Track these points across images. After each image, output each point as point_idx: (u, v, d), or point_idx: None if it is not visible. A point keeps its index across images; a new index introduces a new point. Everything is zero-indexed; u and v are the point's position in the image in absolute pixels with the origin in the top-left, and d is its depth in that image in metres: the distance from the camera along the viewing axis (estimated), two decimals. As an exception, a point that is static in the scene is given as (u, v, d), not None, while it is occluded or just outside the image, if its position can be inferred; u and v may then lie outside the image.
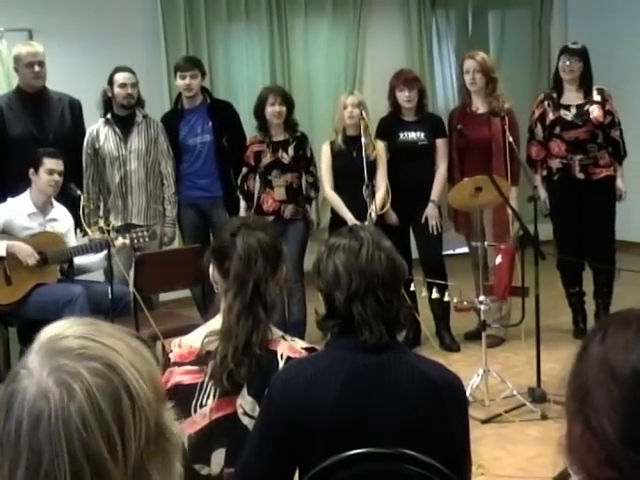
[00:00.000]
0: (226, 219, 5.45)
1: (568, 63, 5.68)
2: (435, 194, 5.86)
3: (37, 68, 5.53)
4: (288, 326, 5.58)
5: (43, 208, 5.25)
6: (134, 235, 5.14)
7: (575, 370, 1.24)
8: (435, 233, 5.88)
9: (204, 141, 5.94)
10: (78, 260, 5.26)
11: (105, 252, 5.06)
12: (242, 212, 5.86)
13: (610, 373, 1.18)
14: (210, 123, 5.95)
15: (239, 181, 5.95)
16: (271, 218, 5.58)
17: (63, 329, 1.09)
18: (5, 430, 1.05)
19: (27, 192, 5.22)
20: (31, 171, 5.16)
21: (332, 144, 5.82)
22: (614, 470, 1.15)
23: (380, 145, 5.74)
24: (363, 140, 5.43)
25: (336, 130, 5.83)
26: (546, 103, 5.82)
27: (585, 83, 5.74)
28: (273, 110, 5.76)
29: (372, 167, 5.58)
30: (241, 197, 5.94)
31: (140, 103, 5.80)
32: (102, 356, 1.05)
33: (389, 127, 5.88)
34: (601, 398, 1.17)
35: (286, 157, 5.84)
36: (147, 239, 5.20)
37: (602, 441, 1.16)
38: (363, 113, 5.59)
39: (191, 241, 5.84)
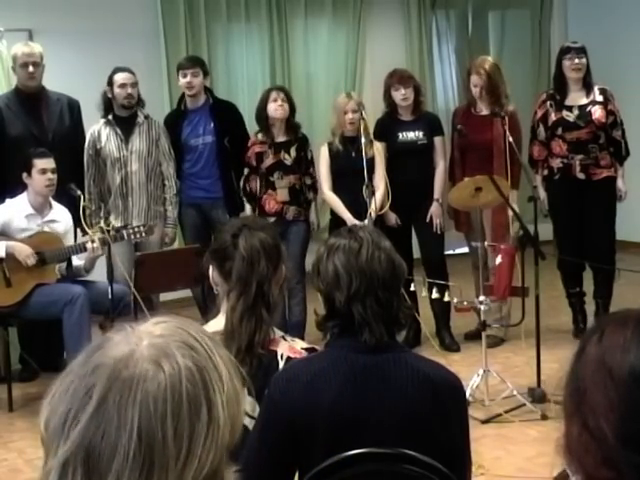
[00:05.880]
0: (227, 220, 5.44)
1: (577, 61, 5.69)
2: (437, 192, 5.87)
3: (31, 69, 5.53)
4: (289, 327, 5.58)
5: (41, 209, 5.23)
6: (131, 231, 5.14)
7: (572, 370, 1.24)
8: (439, 232, 5.89)
9: (206, 142, 5.94)
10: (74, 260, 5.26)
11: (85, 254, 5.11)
12: (248, 213, 5.87)
13: (607, 373, 1.18)
14: (212, 124, 5.94)
15: (241, 182, 5.95)
16: (273, 219, 5.58)
17: (190, 326, 1.08)
18: (83, 368, 1.01)
19: (24, 194, 5.22)
20: (24, 175, 5.14)
21: (330, 145, 5.82)
22: (612, 470, 1.15)
23: (378, 145, 5.74)
24: (362, 140, 5.43)
25: (333, 132, 5.81)
26: (548, 103, 5.82)
27: (587, 81, 5.76)
28: (276, 105, 5.75)
29: (370, 165, 5.58)
30: (244, 199, 5.94)
31: (140, 103, 5.79)
32: (202, 366, 1.03)
33: (387, 128, 5.87)
34: (598, 398, 1.17)
35: (288, 158, 5.83)
36: (144, 234, 5.19)
37: (600, 441, 1.16)
38: (363, 114, 5.60)
39: (192, 241, 5.83)
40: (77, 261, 5.27)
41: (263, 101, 5.83)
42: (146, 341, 1.03)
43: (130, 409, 0.97)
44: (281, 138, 5.85)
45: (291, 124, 5.87)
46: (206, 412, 1.00)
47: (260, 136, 5.87)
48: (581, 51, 5.73)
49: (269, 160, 5.82)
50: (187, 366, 1.01)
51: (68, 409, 0.99)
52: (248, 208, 5.93)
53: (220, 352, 1.07)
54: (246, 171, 5.90)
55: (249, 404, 2.37)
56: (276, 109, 5.74)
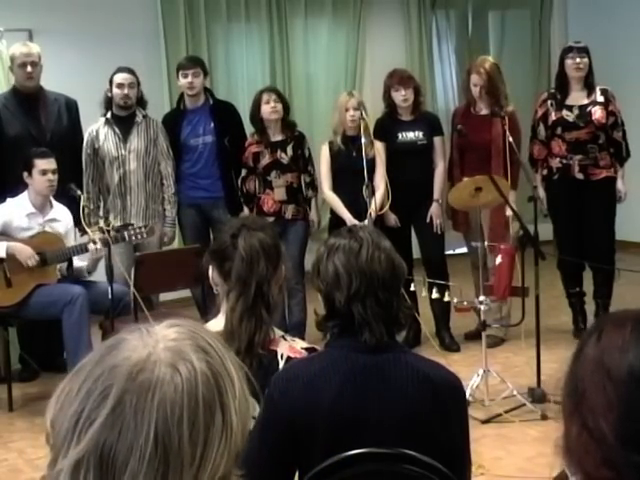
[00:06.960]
0: (227, 219, 5.44)
1: (578, 60, 5.69)
2: (437, 193, 5.88)
3: (29, 68, 5.53)
4: (289, 327, 5.58)
5: (42, 208, 5.24)
6: (132, 232, 5.14)
7: (571, 371, 1.24)
8: (439, 232, 5.89)
9: (206, 142, 5.94)
10: (75, 262, 5.26)
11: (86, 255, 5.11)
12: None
13: (606, 374, 1.18)
14: (212, 124, 5.94)
15: (239, 183, 5.95)
16: (271, 219, 5.58)
17: (202, 329, 1.07)
18: (97, 368, 1.00)
19: (25, 193, 5.22)
20: (25, 175, 5.14)
21: (331, 144, 5.82)
22: (612, 470, 1.15)
23: (378, 145, 5.74)
24: (363, 140, 5.43)
25: (335, 131, 5.81)
26: (549, 103, 5.82)
27: (589, 81, 5.76)
28: (269, 108, 5.75)
29: (371, 165, 5.58)
30: (242, 199, 5.94)
31: (142, 104, 5.79)
32: (216, 371, 1.02)
33: (387, 128, 5.86)
34: (597, 399, 1.17)
35: (285, 157, 5.83)
36: (145, 235, 5.19)
37: (599, 442, 1.16)
38: (363, 113, 5.60)
39: (192, 241, 5.84)
40: (79, 262, 5.27)
41: (256, 103, 5.83)
42: (162, 344, 1.02)
43: (147, 412, 0.96)
44: (277, 137, 5.85)
45: (286, 123, 5.88)
46: (220, 417, 1.00)
47: (256, 136, 5.87)
48: (583, 51, 5.73)
49: (265, 160, 5.82)
50: (203, 370, 1.01)
51: (81, 409, 0.97)
52: (246, 210, 5.92)
53: (230, 356, 1.07)
54: (244, 172, 5.91)
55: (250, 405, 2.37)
56: (271, 112, 5.75)
